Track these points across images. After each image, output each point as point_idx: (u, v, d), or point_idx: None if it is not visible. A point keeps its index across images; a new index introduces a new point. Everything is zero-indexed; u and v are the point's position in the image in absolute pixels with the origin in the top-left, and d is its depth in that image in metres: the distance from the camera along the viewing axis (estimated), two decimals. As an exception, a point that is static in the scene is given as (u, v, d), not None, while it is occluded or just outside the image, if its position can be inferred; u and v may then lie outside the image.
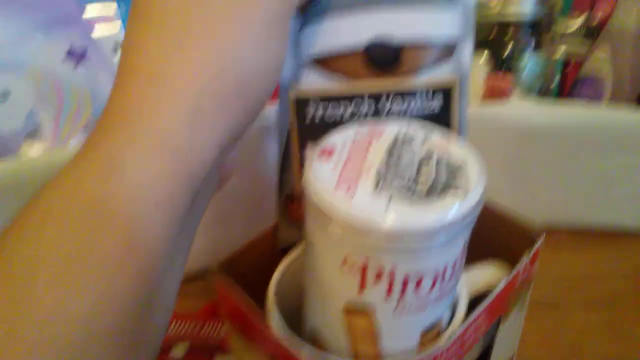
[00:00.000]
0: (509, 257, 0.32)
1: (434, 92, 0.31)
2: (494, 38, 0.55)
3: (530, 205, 0.53)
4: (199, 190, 0.23)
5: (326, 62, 0.31)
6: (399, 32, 0.30)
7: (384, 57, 0.30)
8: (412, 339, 0.27)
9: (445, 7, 0.31)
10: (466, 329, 0.27)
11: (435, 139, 0.27)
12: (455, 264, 0.25)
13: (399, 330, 0.26)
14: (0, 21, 0.55)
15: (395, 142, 0.27)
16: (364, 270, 0.24)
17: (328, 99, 0.31)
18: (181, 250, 0.25)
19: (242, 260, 0.32)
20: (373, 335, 0.26)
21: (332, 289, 0.26)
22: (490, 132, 0.49)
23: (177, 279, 0.25)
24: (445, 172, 0.25)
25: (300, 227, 0.28)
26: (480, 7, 0.56)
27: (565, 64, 0.60)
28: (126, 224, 0.21)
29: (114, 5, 0.61)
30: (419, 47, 0.30)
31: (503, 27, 0.54)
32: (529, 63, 0.54)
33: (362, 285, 0.25)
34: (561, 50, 0.60)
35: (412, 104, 0.31)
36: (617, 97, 0.54)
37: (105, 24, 0.62)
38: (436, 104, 0.31)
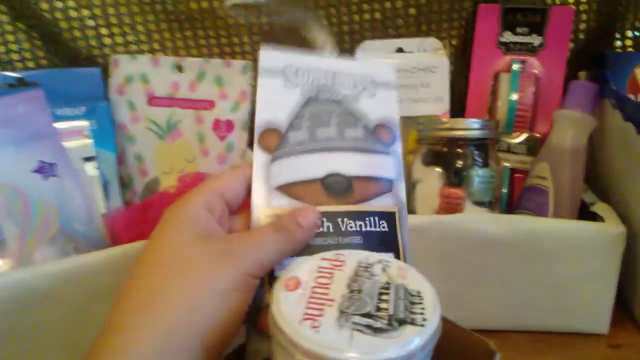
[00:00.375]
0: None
1: (381, 216, 0.37)
2: (447, 151, 0.59)
3: (487, 309, 0.55)
4: None
5: (290, 189, 0.37)
6: (349, 168, 0.38)
7: (339, 186, 0.37)
8: None
9: (383, 154, 0.40)
10: None
11: (393, 269, 0.29)
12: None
13: None
14: (-28, 136, 0.56)
15: (356, 272, 0.28)
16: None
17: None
18: None
19: None
20: None
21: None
22: (446, 240, 0.53)
23: None
24: (402, 304, 0.26)
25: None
26: (433, 122, 0.60)
27: (512, 174, 0.65)
28: None
29: (86, 123, 0.63)
30: (365, 180, 0.38)
31: (454, 141, 0.58)
32: (479, 176, 0.57)
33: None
34: (508, 162, 0.65)
35: (364, 224, 0.36)
36: (559, 209, 0.57)
37: (76, 139, 0.63)
38: (384, 225, 0.37)
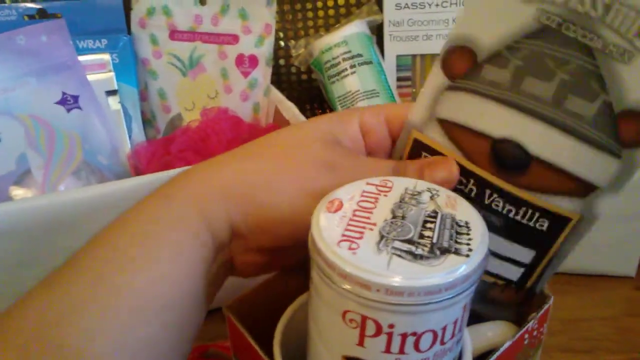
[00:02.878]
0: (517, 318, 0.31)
1: (545, 214, 0.29)
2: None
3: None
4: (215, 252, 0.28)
5: (452, 130, 0.29)
6: (539, 147, 0.27)
7: (510, 159, 0.28)
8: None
9: (609, 153, 0.27)
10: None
11: (442, 198, 0.26)
12: (456, 323, 0.24)
13: (398, 386, 0.25)
14: (-4, 65, 0.54)
15: (402, 199, 0.26)
16: (363, 324, 0.23)
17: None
18: None
19: (253, 301, 0.32)
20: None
21: (333, 338, 0.25)
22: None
23: None
24: (448, 233, 0.24)
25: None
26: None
27: None
28: None
29: (107, 56, 0.61)
30: (552, 170, 0.28)
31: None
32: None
33: (361, 339, 0.24)
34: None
35: (515, 211, 0.29)
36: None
37: (98, 72, 0.61)
38: (544, 224, 0.29)
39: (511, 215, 0.29)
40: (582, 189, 0.28)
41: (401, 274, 0.22)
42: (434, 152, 0.30)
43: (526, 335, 0.30)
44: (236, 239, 0.29)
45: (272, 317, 0.31)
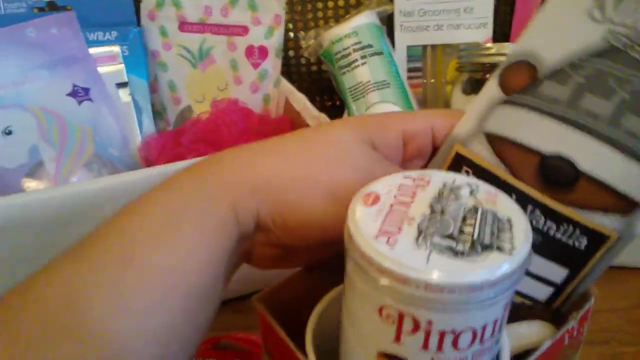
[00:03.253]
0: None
1: (585, 231, 0.28)
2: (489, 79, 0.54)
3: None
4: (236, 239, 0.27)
5: (500, 144, 0.29)
6: (589, 163, 0.27)
7: (559, 175, 0.28)
8: (448, 396, 0.25)
9: None
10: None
11: (482, 193, 0.25)
12: (496, 323, 0.24)
13: (434, 384, 0.24)
14: (6, 58, 0.54)
15: (440, 194, 0.25)
16: (400, 321, 0.23)
17: (482, 173, 0.30)
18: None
19: (283, 294, 0.32)
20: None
21: (368, 333, 0.25)
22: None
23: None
24: (489, 229, 0.23)
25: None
26: (476, 47, 0.56)
27: None
28: None
29: (117, 48, 0.60)
30: (599, 185, 0.27)
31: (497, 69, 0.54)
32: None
33: (398, 335, 0.23)
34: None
35: (555, 228, 0.28)
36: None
37: (108, 64, 0.61)
38: (582, 242, 0.28)
39: (551, 232, 0.28)
40: (626, 206, 0.27)
41: (441, 269, 0.21)
42: (476, 166, 0.30)
43: (566, 336, 0.29)
44: (259, 232, 0.28)
45: (300, 313, 0.30)
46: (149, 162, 0.57)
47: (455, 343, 0.23)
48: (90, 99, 0.57)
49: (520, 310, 0.31)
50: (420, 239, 0.23)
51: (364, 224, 0.23)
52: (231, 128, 0.58)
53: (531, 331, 0.30)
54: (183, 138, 0.57)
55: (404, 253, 0.22)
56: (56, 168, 0.53)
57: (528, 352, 0.28)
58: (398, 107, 0.59)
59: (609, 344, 0.46)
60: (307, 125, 0.55)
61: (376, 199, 0.25)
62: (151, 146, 0.57)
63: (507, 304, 0.24)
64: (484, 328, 0.23)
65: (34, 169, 0.53)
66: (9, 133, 0.52)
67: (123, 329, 0.23)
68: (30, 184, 0.52)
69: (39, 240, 0.42)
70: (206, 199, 0.27)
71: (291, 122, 0.60)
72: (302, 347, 0.28)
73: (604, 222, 0.28)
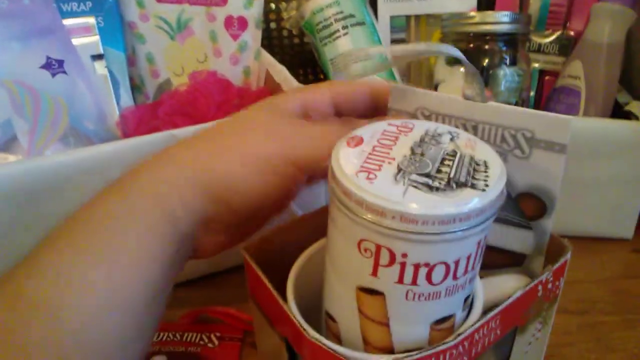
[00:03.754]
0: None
1: None
2: (473, 48, 0.57)
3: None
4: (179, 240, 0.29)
5: None
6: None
7: None
8: (422, 330, 0.27)
9: (521, 227, 0.34)
10: (477, 330, 0.28)
11: (462, 140, 0.28)
12: (469, 259, 0.26)
13: (409, 317, 0.27)
14: (-25, 31, 0.54)
15: (422, 139, 0.28)
16: (377, 254, 0.25)
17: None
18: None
19: (271, 244, 0.34)
20: (384, 319, 0.27)
21: (348, 268, 0.27)
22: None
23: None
24: (466, 170, 0.26)
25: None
26: (459, 16, 0.58)
27: (541, 76, 0.63)
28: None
29: (92, 19, 0.61)
30: (491, 249, 0.33)
31: (481, 37, 0.56)
32: (507, 75, 0.56)
33: (375, 268, 0.26)
34: (537, 63, 0.64)
35: None
36: (590, 109, 0.56)
37: (83, 36, 0.62)
38: None
39: None
40: (517, 259, 0.35)
41: (416, 202, 0.24)
42: None
43: (540, 287, 0.31)
44: (202, 227, 0.30)
45: (287, 263, 0.33)
46: (126, 136, 0.58)
47: (429, 277, 0.25)
48: (64, 72, 0.58)
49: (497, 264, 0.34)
50: (399, 176, 0.25)
51: (345, 162, 0.26)
52: (209, 100, 0.59)
53: (507, 283, 0.33)
54: (159, 110, 0.58)
55: (382, 187, 0.24)
56: (30, 142, 0.54)
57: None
58: (380, 79, 0.61)
59: (588, 314, 0.49)
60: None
61: (359, 142, 0.27)
62: (128, 119, 0.58)
63: (480, 241, 0.26)
64: (456, 263, 0.25)
65: (8, 144, 0.54)
66: (-19, 107, 0.53)
67: (61, 346, 0.24)
68: (5, 158, 0.53)
69: (14, 213, 0.43)
70: (131, 210, 0.28)
71: (271, 94, 0.62)
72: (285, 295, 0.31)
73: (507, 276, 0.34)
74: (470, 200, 0.24)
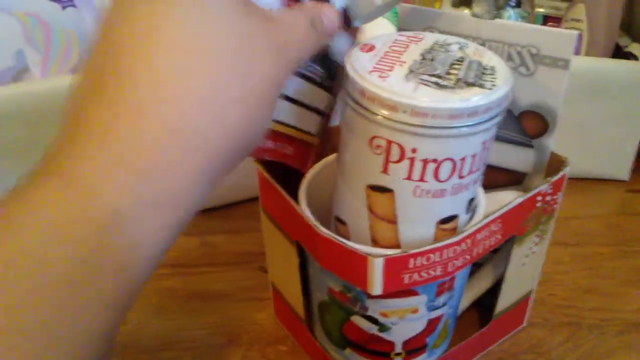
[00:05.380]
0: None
1: None
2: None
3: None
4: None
5: None
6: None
7: None
8: (428, 228, 0.29)
9: (522, 145, 0.36)
10: (479, 229, 0.30)
11: (471, 49, 0.29)
12: (474, 158, 0.27)
13: (416, 214, 0.29)
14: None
15: (432, 47, 0.29)
16: (387, 150, 0.27)
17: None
18: None
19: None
20: (392, 217, 0.29)
21: (360, 168, 0.29)
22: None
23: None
24: (474, 73, 0.27)
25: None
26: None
27: (545, 19, 0.64)
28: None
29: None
30: (492, 168, 0.36)
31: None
32: (511, 17, 0.57)
33: (386, 165, 0.27)
34: (541, 8, 0.64)
35: None
36: (592, 51, 0.57)
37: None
38: None
39: None
40: (517, 178, 0.37)
41: (427, 97, 0.25)
42: None
43: (539, 198, 0.33)
44: None
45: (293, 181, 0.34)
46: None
47: (436, 173, 0.27)
48: (73, 5, 0.58)
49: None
50: (410, 76, 0.26)
51: (359, 64, 0.27)
52: None
53: (507, 197, 0.34)
54: None
55: (394, 84, 0.26)
56: (42, 72, 0.55)
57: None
58: (387, 21, 0.62)
59: (583, 246, 0.51)
60: None
61: (372, 48, 0.29)
62: None
63: (485, 142, 0.27)
64: (462, 161, 0.27)
65: (20, 74, 0.55)
66: (-7, 36, 0.54)
67: None
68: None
69: (30, 134, 0.45)
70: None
71: None
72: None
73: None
74: (477, 97, 0.25)
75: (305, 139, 0.34)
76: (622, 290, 0.46)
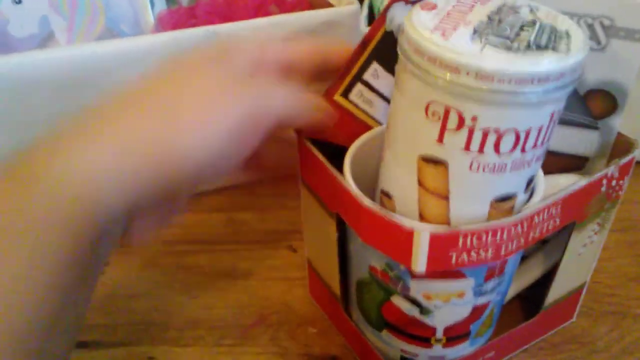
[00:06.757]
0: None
1: None
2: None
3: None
4: (99, 237, 0.25)
5: None
6: None
7: None
8: (482, 207, 0.27)
9: (587, 128, 0.33)
10: (537, 212, 0.27)
11: (542, 12, 0.27)
12: (540, 131, 0.25)
13: (471, 191, 0.26)
14: None
15: (500, 8, 0.26)
16: (445, 117, 0.24)
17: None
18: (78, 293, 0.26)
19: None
20: (444, 192, 0.26)
21: (413, 137, 0.26)
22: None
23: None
24: (547, 36, 0.24)
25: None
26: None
27: None
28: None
29: None
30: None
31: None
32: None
33: (442, 134, 0.25)
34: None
35: None
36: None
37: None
38: None
39: None
40: (578, 163, 0.34)
41: (493, 58, 0.23)
42: None
43: (604, 181, 0.30)
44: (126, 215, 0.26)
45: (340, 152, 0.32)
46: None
47: (497, 145, 0.24)
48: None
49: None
50: (475, 36, 0.24)
51: (419, 22, 0.25)
52: (248, 2, 0.58)
53: (568, 180, 0.32)
54: (197, 10, 0.57)
55: (457, 44, 0.23)
56: (68, 39, 0.54)
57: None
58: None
59: (629, 232, 0.48)
60: (328, 6, 0.55)
61: (434, 7, 0.26)
62: (165, 21, 0.57)
63: (553, 113, 0.25)
64: (527, 133, 0.24)
65: (46, 40, 0.54)
66: (19, 2, 0.53)
67: None
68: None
69: (52, 101, 0.43)
70: (37, 206, 0.23)
71: (310, 6, 0.60)
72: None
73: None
74: (549, 61, 0.23)
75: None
76: (669, 278, 0.43)
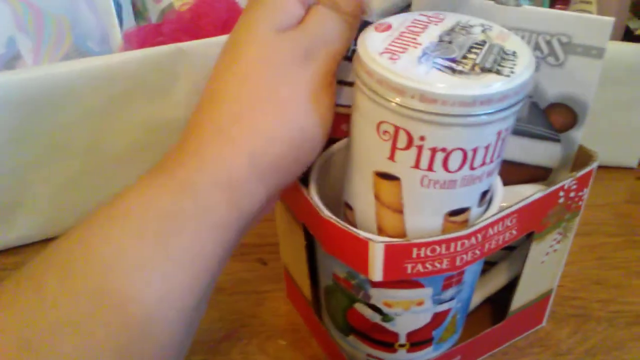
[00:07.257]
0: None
1: None
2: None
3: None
4: (244, 229, 0.27)
5: None
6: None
7: None
8: (436, 220, 0.28)
9: (548, 140, 0.34)
10: (492, 224, 0.28)
11: (495, 32, 0.28)
12: (487, 149, 0.26)
13: (423, 205, 0.27)
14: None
15: (452, 28, 0.28)
16: (395, 136, 0.25)
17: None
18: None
19: None
20: (398, 206, 0.27)
21: (367, 153, 0.28)
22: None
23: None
24: (493, 57, 0.25)
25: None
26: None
27: (553, 1, 0.60)
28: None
29: None
30: (514, 164, 0.35)
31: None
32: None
33: (393, 151, 0.26)
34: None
35: None
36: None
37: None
38: None
39: None
40: (543, 174, 0.35)
41: (438, 82, 0.24)
42: None
43: (561, 193, 0.31)
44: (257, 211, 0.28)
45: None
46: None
47: (445, 163, 0.26)
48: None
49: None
50: (423, 58, 0.25)
51: (371, 44, 0.26)
52: (215, 17, 0.58)
53: (528, 191, 0.32)
54: (164, 27, 0.57)
55: (405, 67, 0.24)
56: (34, 59, 0.54)
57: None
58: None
59: (591, 235, 0.49)
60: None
61: (387, 28, 0.27)
62: (132, 38, 0.57)
63: (500, 132, 0.26)
64: (474, 151, 0.26)
65: (12, 61, 0.54)
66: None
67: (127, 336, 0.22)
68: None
69: (22, 122, 0.44)
70: (200, 209, 0.25)
71: None
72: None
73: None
74: (492, 84, 0.24)
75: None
76: (632, 281, 0.44)
